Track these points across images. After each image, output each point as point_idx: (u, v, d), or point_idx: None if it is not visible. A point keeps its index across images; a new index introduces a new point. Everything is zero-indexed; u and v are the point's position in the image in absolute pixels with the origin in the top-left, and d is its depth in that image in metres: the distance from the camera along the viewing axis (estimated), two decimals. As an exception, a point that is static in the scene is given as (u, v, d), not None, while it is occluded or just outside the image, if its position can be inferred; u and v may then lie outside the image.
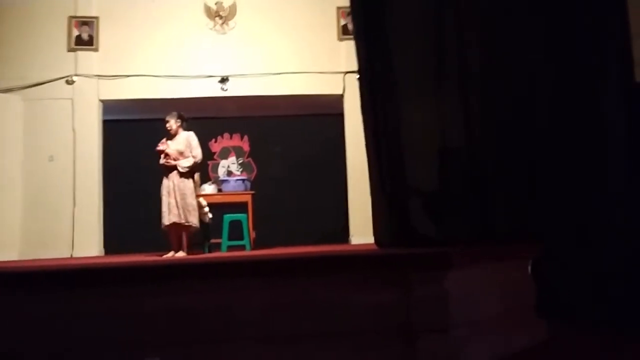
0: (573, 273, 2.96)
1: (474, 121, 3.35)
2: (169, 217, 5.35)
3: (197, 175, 5.73)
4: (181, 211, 5.36)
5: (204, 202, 5.88)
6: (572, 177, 3.08)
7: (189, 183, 5.50)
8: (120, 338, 2.25)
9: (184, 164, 5.44)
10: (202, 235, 6.01)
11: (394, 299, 2.31)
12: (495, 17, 3.33)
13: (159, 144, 5.55)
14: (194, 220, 5.42)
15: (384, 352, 2.29)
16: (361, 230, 7.13)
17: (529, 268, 2.89)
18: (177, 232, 5.45)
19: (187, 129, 5.68)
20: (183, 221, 5.36)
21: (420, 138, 3.48)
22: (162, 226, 5.42)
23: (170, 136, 5.57)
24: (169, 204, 5.39)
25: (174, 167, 5.46)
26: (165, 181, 5.48)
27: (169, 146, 5.50)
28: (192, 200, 5.44)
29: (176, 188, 5.42)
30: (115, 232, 7.75)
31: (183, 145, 5.50)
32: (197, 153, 5.55)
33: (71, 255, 7.19)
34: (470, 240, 3.06)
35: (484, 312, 2.52)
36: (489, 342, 2.48)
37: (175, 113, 5.66)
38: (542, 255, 2.89)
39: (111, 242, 7.65)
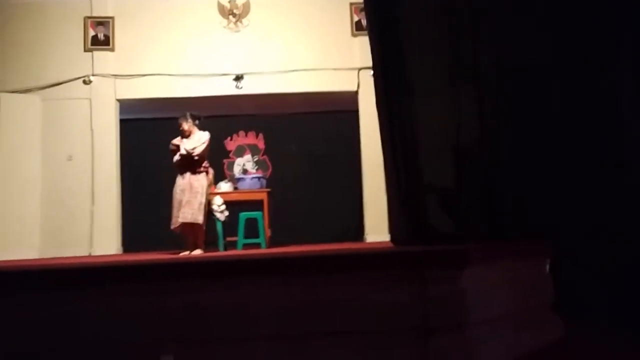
0: (590, 271, 2.92)
1: (489, 117, 3.32)
2: (180, 215, 5.36)
3: (211, 174, 5.75)
4: (191, 209, 5.35)
5: (220, 200, 5.91)
6: (588, 173, 3.03)
7: (203, 181, 5.52)
8: (135, 336, 2.26)
9: (187, 147, 5.43)
10: (216, 233, 6.04)
11: (410, 297, 2.29)
12: (509, 14, 3.29)
13: (174, 140, 5.58)
14: (201, 219, 5.40)
15: (399, 350, 2.28)
16: (376, 228, 7.11)
17: (547, 266, 2.85)
18: (190, 231, 5.48)
19: (202, 127, 5.70)
20: (192, 220, 5.35)
21: (436, 134, 3.46)
22: (173, 226, 5.43)
23: (185, 137, 5.60)
24: (181, 202, 5.40)
25: (189, 166, 5.48)
26: (178, 179, 5.51)
27: (185, 143, 5.52)
28: (202, 199, 5.44)
29: (189, 186, 5.44)
30: (134, 231, 7.83)
31: (197, 143, 5.52)
32: (200, 147, 5.48)
33: (90, 254, 7.28)
34: (486, 237, 3.03)
35: (501, 310, 2.49)
36: (505, 340, 2.45)
37: (187, 113, 5.67)
38: (559, 252, 2.85)
39: (129, 241, 7.73)
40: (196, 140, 5.55)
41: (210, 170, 5.75)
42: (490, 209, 3.17)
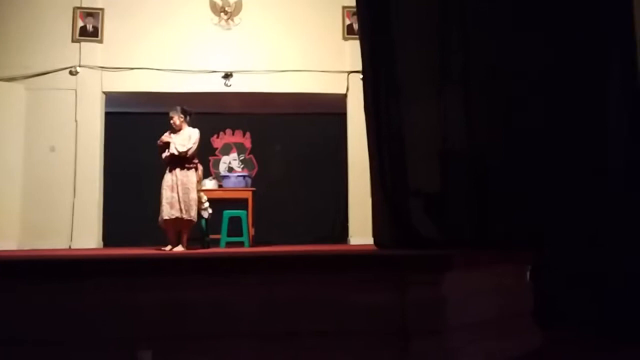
0: (573, 279, 2.95)
1: (476, 124, 3.35)
2: (170, 211, 5.34)
3: (200, 170, 5.71)
4: (183, 205, 5.35)
5: (204, 197, 5.87)
6: (574, 181, 3.07)
7: (192, 177, 5.48)
8: (113, 330, 2.24)
9: (180, 148, 5.39)
10: (199, 231, 6.01)
11: (391, 300, 2.30)
12: (499, 21, 3.33)
13: (163, 136, 5.53)
14: (194, 215, 5.42)
15: (378, 352, 2.29)
16: (360, 230, 7.12)
17: (528, 274, 2.88)
18: (175, 227, 5.44)
19: (191, 123, 5.66)
20: (185, 216, 5.34)
21: (422, 139, 3.48)
22: (161, 220, 5.40)
23: (175, 131, 5.55)
24: (171, 198, 5.37)
25: (178, 162, 5.44)
26: (167, 175, 5.46)
27: (174, 139, 5.48)
28: (194, 195, 5.43)
29: (179, 182, 5.40)
30: (114, 225, 7.74)
31: (186, 141, 5.49)
32: (192, 147, 5.45)
33: (69, 247, 7.19)
34: (469, 243, 3.05)
35: (481, 316, 2.51)
36: (484, 347, 2.47)
37: (178, 108, 5.63)
38: (542, 261, 2.88)
39: (110, 235, 7.64)
40: (186, 137, 5.51)
41: (200, 167, 5.71)
42: (474, 215, 3.20)
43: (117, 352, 2.23)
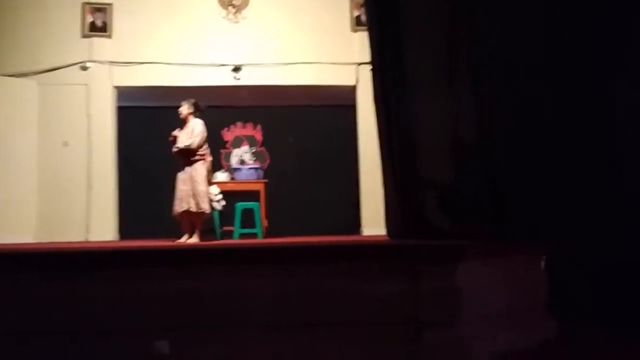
0: (587, 271, 2.93)
1: (487, 115, 3.32)
2: (181, 204, 5.41)
3: (209, 162, 5.74)
4: (192, 198, 5.40)
5: (216, 189, 5.91)
6: (588, 173, 3.04)
7: (201, 170, 5.53)
8: (129, 321, 2.27)
9: (185, 142, 5.44)
10: (212, 223, 6.05)
11: (404, 290, 2.31)
12: (509, 12, 3.29)
13: (173, 132, 5.59)
14: (206, 207, 5.46)
15: (391, 343, 2.30)
16: (372, 221, 7.12)
17: (542, 265, 2.87)
18: (189, 219, 5.50)
19: (202, 116, 5.69)
20: (194, 208, 5.40)
21: (433, 130, 3.47)
22: (173, 213, 5.46)
23: (182, 123, 5.61)
24: (182, 191, 5.44)
25: (186, 156, 5.49)
26: (180, 169, 5.55)
27: (179, 135, 5.54)
28: (203, 187, 5.47)
29: (190, 177, 5.46)
30: (130, 218, 7.81)
31: (190, 134, 5.52)
32: (195, 139, 5.46)
33: (86, 240, 7.27)
34: (482, 235, 3.04)
35: (494, 307, 2.51)
36: (497, 338, 2.47)
37: (191, 100, 5.68)
38: (556, 252, 2.87)
39: (126, 228, 7.72)
40: (190, 131, 5.55)
41: (209, 158, 5.72)
42: (487, 206, 3.18)
43: (131, 342, 2.26)
